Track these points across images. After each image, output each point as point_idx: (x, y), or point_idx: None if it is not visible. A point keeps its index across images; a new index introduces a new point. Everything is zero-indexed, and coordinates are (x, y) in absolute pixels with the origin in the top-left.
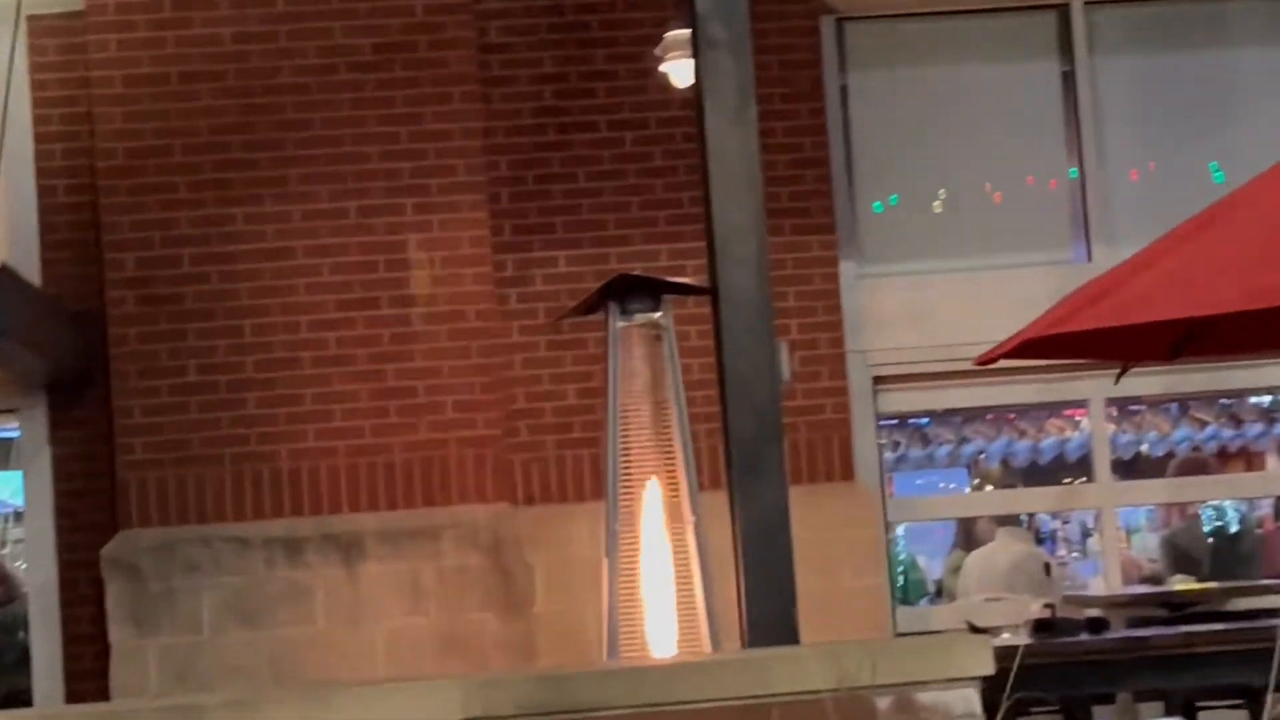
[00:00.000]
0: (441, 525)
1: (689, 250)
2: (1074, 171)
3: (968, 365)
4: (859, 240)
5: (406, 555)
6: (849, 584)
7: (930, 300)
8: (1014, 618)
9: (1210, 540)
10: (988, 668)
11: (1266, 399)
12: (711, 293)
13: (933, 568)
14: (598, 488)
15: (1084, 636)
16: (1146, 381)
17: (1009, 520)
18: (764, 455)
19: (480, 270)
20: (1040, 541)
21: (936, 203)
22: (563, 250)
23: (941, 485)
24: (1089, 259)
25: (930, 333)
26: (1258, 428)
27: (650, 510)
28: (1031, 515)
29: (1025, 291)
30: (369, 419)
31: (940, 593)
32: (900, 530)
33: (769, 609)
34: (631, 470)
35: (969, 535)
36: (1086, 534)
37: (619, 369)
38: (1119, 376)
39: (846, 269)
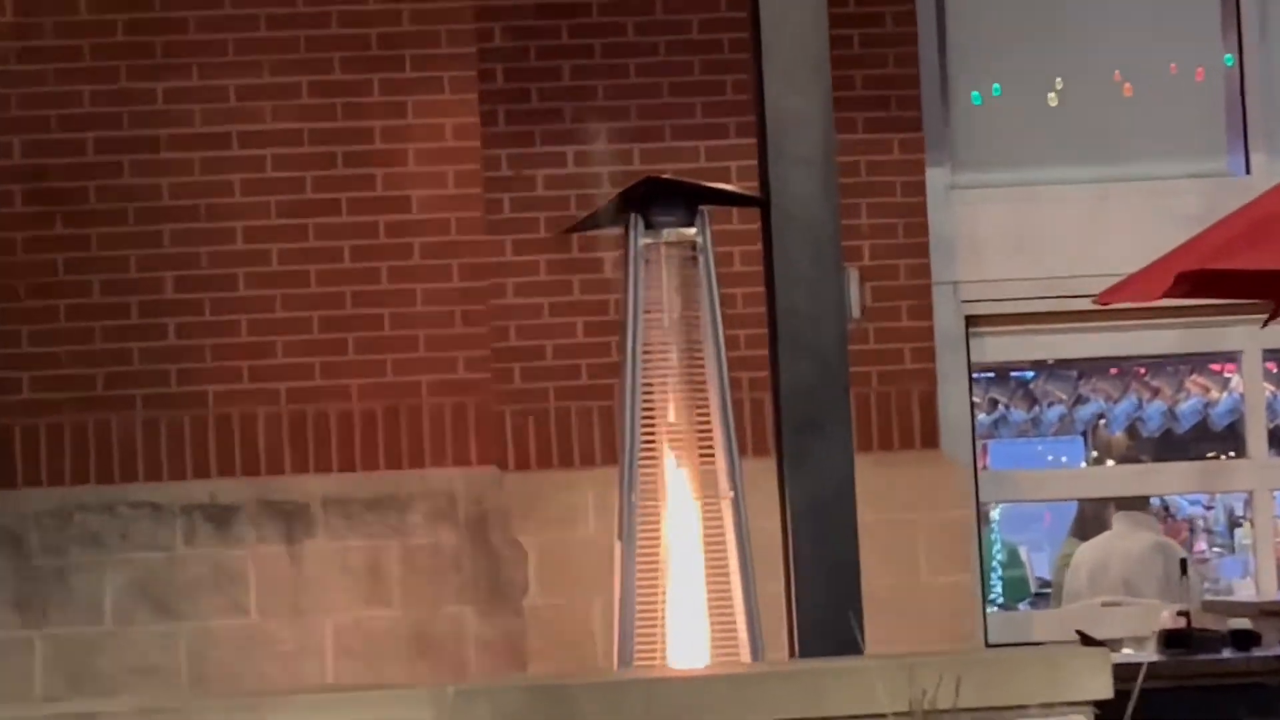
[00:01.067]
0: (410, 493)
1: (734, 149)
2: (1229, 58)
3: (1087, 305)
4: (952, 141)
5: (365, 530)
6: (928, 580)
7: (1041, 221)
8: (1138, 627)
9: None
10: (1105, 690)
11: None
12: (762, 203)
13: (1037, 562)
14: (610, 450)
15: (1227, 653)
16: None
17: (1135, 504)
18: (825, 415)
19: (466, 168)
20: (1175, 532)
21: (1052, 94)
22: (571, 145)
23: (1050, 457)
24: (1247, 171)
25: (1041, 262)
26: None
27: (677, 481)
28: (1164, 498)
29: (1164, 211)
30: (319, 355)
31: (1046, 594)
32: (996, 513)
33: (825, 609)
34: (655, 429)
35: (1085, 522)
36: (1235, 523)
37: (641, 299)
38: (1269, 319)
39: (935, 178)
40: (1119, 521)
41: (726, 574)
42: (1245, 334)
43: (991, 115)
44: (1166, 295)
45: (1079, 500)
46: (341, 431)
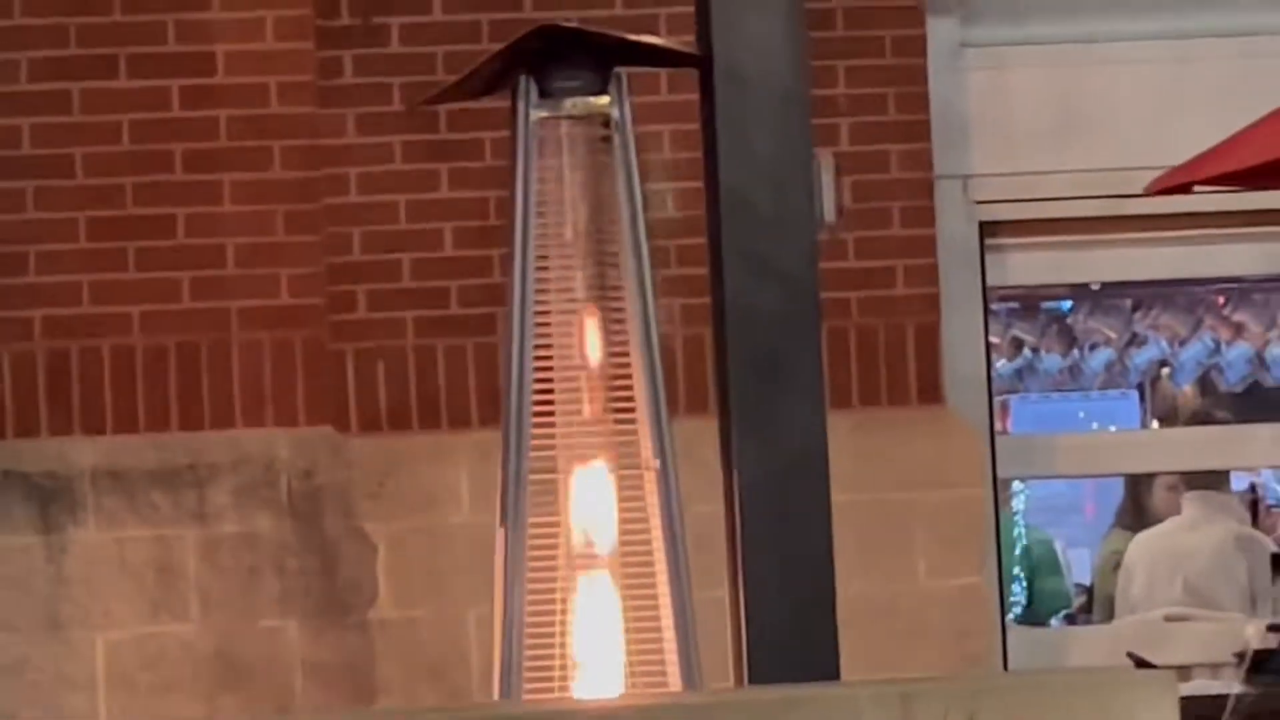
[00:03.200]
0: (213, 464)
1: None
2: None
3: (1142, 206)
4: None
5: (150, 515)
6: (928, 583)
7: (1090, 92)
8: (1214, 649)
9: None
10: None
11: None
12: (702, 64)
13: (1076, 562)
14: (491, 406)
15: None
16: None
17: (1209, 482)
18: (786, 358)
19: (291, 14)
20: (1266, 523)
21: None
22: None
23: (1094, 420)
24: None
25: (1088, 149)
26: None
27: (584, 449)
28: (1249, 475)
29: (1264, 77)
30: (87, 272)
31: (1091, 604)
32: (1021, 494)
33: (786, 621)
34: (554, 377)
35: (1140, 507)
36: None
37: (534, 198)
38: None
39: (941, 32)
40: (1188, 506)
41: (651, 573)
42: None
43: None
44: (1247, 182)
45: (1132, 477)
46: (119, 378)
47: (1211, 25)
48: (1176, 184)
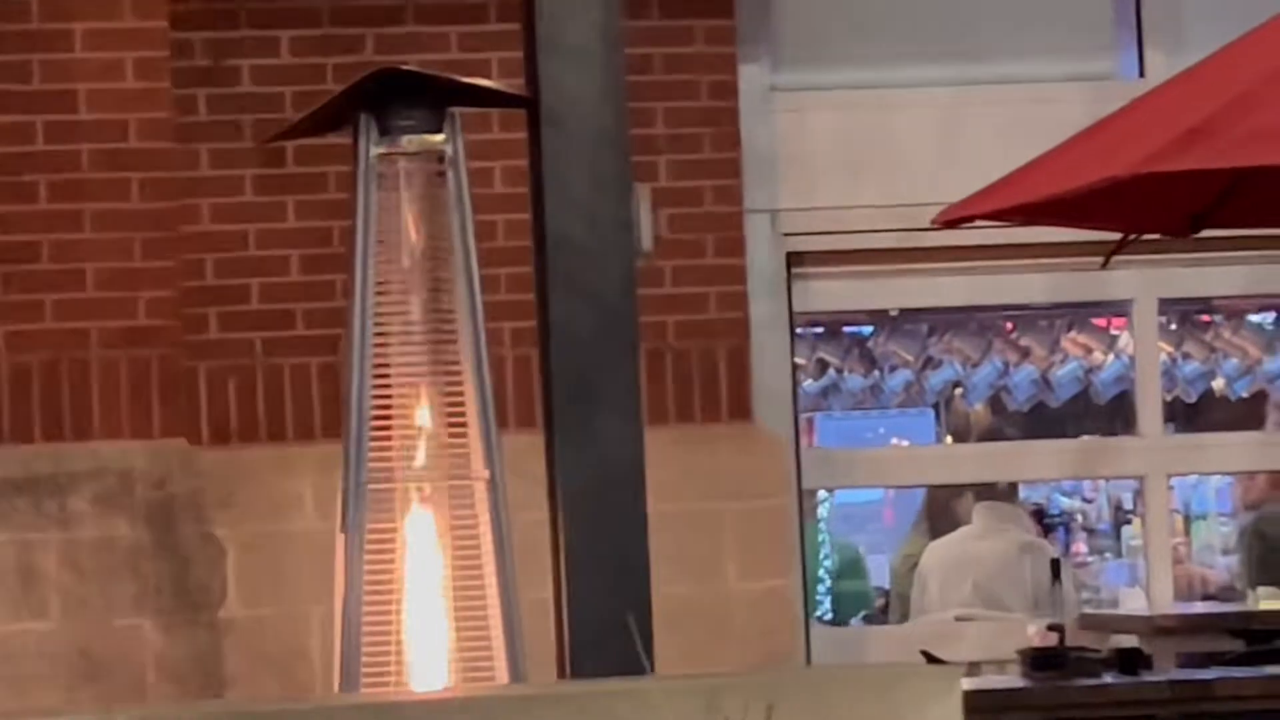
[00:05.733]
0: (73, 473)
1: (496, 36)
2: None
3: (935, 239)
4: (773, 31)
5: (12, 520)
6: (737, 586)
7: (885, 133)
8: (1000, 646)
9: None
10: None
11: None
12: (529, 105)
13: (878, 564)
14: (334, 421)
15: (1109, 678)
16: (1224, 274)
17: (998, 494)
18: (606, 377)
19: (149, 55)
20: (1047, 529)
21: None
22: (287, 29)
23: (893, 435)
24: (1140, 74)
25: (883, 186)
26: None
27: (420, 459)
28: (1035, 487)
29: (1038, 122)
30: None
31: (889, 605)
32: (825, 503)
33: (605, 620)
34: (392, 394)
35: (934, 516)
36: (1123, 519)
37: (374, 227)
38: (1108, 258)
39: (751, 77)
40: (977, 516)
41: (480, 576)
42: (1139, 278)
43: (825, 1)
44: (1020, 218)
45: (927, 488)
46: None
47: (992, 74)
48: (958, 217)
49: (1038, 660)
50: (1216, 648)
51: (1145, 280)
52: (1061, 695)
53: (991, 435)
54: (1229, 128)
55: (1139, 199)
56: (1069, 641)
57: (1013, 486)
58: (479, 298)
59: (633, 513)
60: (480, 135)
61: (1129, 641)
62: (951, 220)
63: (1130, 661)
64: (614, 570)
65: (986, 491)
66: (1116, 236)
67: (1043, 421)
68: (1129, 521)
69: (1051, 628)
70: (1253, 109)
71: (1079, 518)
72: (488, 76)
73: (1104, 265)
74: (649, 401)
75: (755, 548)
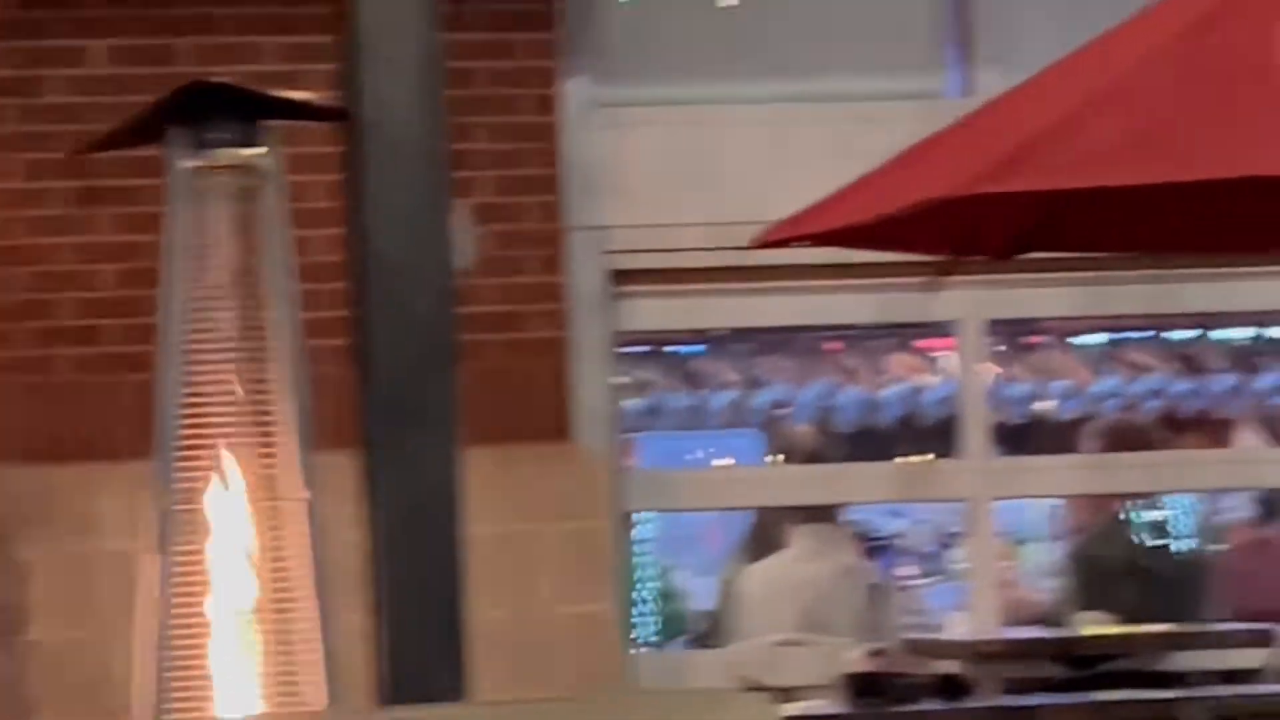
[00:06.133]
0: None
1: (313, 48)
2: None
3: (760, 258)
4: (597, 45)
5: None
6: (557, 609)
7: (710, 150)
8: (822, 671)
9: (1142, 559)
10: None
11: (1248, 333)
12: (346, 118)
13: (700, 588)
14: (145, 440)
15: (931, 704)
16: (1051, 296)
17: (821, 515)
18: (424, 396)
19: None
20: (872, 552)
21: None
22: (97, 38)
23: (715, 456)
24: (967, 93)
25: (708, 204)
26: (1228, 380)
27: (232, 479)
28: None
29: (864, 140)
30: None
31: (711, 629)
32: (647, 525)
33: (422, 645)
34: (204, 412)
35: (759, 539)
36: (947, 543)
37: (186, 241)
38: (931, 281)
39: (575, 92)
40: (800, 539)
41: (295, 600)
42: (963, 299)
43: (650, 15)
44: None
45: (752, 511)
46: None
47: (820, 91)
48: (776, 240)
49: (859, 686)
50: (1040, 673)
51: (971, 301)
52: None
53: (817, 457)
54: (1052, 150)
55: (961, 221)
56: (891, 667)
57: (838, 509)
58: (296, 315)
59: (450, 535)
60: (300, 149)
61: (952, 667)
62: (770, 243)
63: (952, 687)
64: (431, 593)
65: (813, 514)
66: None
67: (869, 443)
68: (954, 544)
69: (873, 653)
70: (1076, 131)
71: (905, 541)
72: (307, 89)
73: (927, 288)
74: (468, 421)
75: (575, 571)
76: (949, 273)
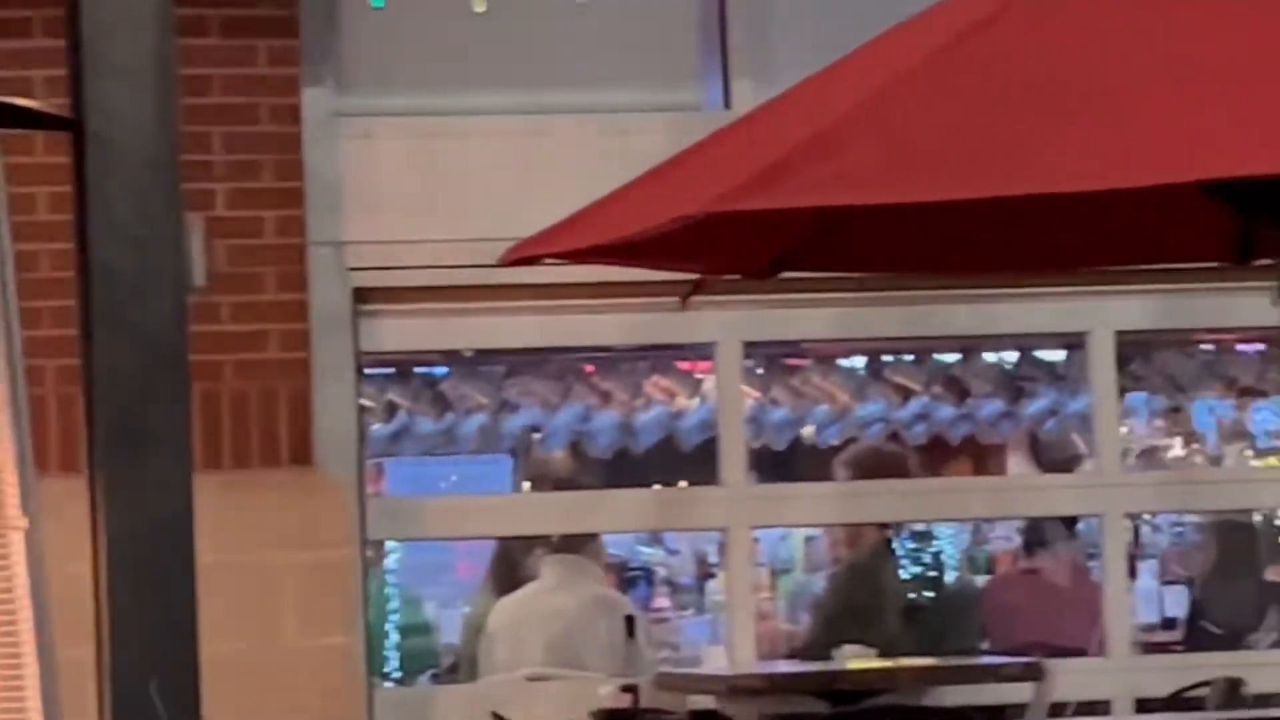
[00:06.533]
0: None
1: (39, 53)
2: None
3: (510, 276)
4: (341, 53)
5: None
6: (297, 643)
7: (459, 163)
8: (573, 706)
9: (906, 590)
10: None
11: (1012, 355)
12: (73, 127)
13: (450, 620)
14: None
15: None
16: (811, 316)
17: (573, 545)
18: (155, 419)
19: None
20: (628, 583)
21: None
22: None
23: (465, 482)
24: (726, 104)
25: (457, 219)
26: (994, 405)
27: None
28: (617, 539)
29: (619, 153)
30: None
31: (459, 663)
32: (393, 554)
33: (149, 681)
34: None
35: (509, 569)
36: (708, 573)
37: None
38: (685, 299)
39: (316, 101)
40: (548, 569)
41: (15, 633)
42: (721, 320)
43: (396, 21)
44: (589, 260)
45: (501, 540)
46: None
47: (570, 102)
48: (525, 257)
49: None
50: (800, 709)
51: (729, 322)
52: None
53: (571, 484)
54: (808, 167)
55: (717, 239)
56: (644, 702)
57: (591, 537)
58: (17, 333)
59: (181, 564)
60: (24, 158)
61: (706, 703)
62: (518, 260)
63: None
64: (160, 626)
65: (563, 543)
66: (697, 276)
67: (625, 469)
68: (713, 575)
69: (625, 688)
70: (833, 148)
71: (661, 571)
72: (30, 95)
73: (682, 307)
74: (202, 445)
75: (317, 602)
76: (703, 290)
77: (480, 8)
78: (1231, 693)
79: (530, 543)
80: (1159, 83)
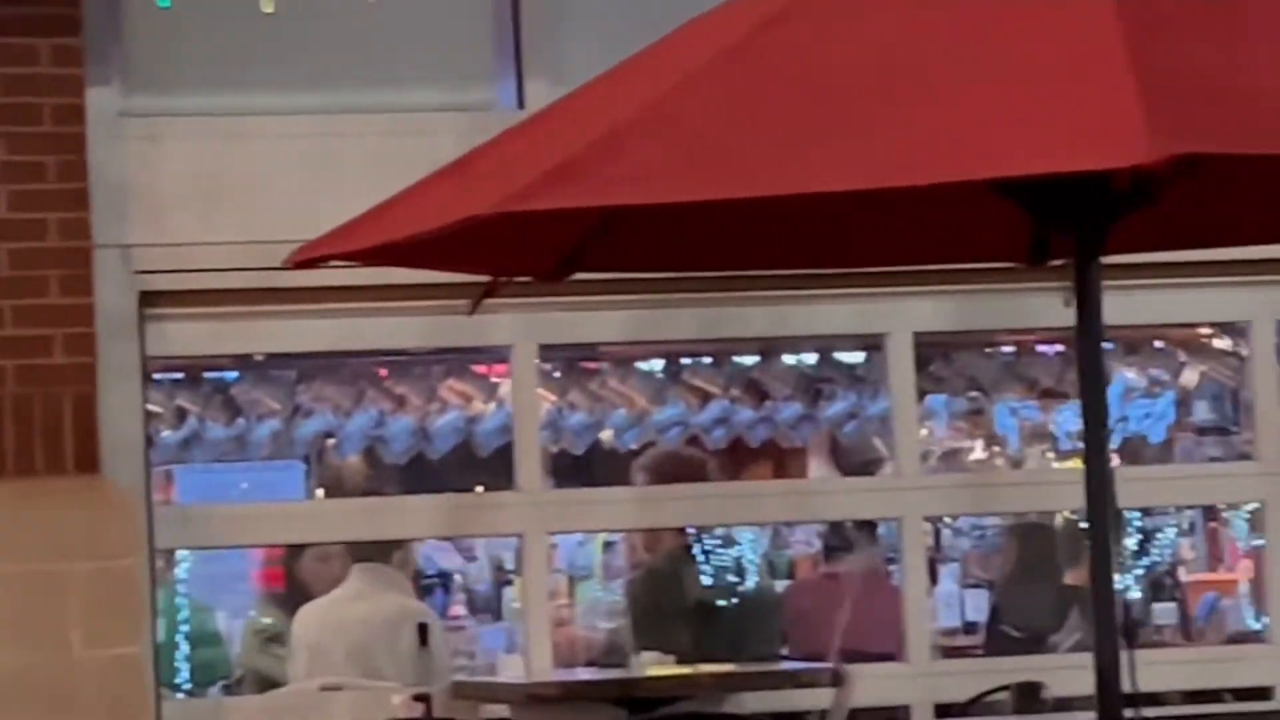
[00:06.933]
0: None
1: None
2: None
3: (301, 279)
4: (126, 52)
5: None
6: (84, 654)
7: (248, 163)
8: (366, 717)
9: (705, 595)
10: None
11: (811, 358)
12: None
13: (240, 631)
14: None
15: None
16: (608, 319)
17: (375, 553)
18: None
19: None
20: (425, 591)
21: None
22: None
23: (256, 489)
24: (520, 104)
25: (246, 221)
26: (793, 409)
27: None
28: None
29: (412, 153)
30: None
31: (250, 675)
32: (184, 564)
33: None
34: None
35: (302, 576)
36: (505, 580)
37: None
38: (476, 303)
39: (100, 100)
40: (357, 578)
41: None
42: (516, 323)
43: (183, 21)
44: (381, 258)
45: (293, 548)
46: None
47: (361, 102)
48: (312, 258)
49: None
50: (597, 716)
51: (524, 324)
52: None
53: (367, 490)
54: (594, 167)
55: (507, 239)
56: (437, 712)
57: (393, 545)
58: None
59: None
60: None
61: (501, 712)
62: (305, 262)
63: None
64: None
65: (363, 551)
66: (486, 278)
67: (421, 475)
68: (510, 582)
69: (418, 698)
70: (620, 148)
71: (458, 578)
72: None
73: (471, 310)
74: None
75: (103, 612)
76: (494, 294)
77: (269, 8)
78: (1030, 696)
79: (324, 550)
80: (946, 83)
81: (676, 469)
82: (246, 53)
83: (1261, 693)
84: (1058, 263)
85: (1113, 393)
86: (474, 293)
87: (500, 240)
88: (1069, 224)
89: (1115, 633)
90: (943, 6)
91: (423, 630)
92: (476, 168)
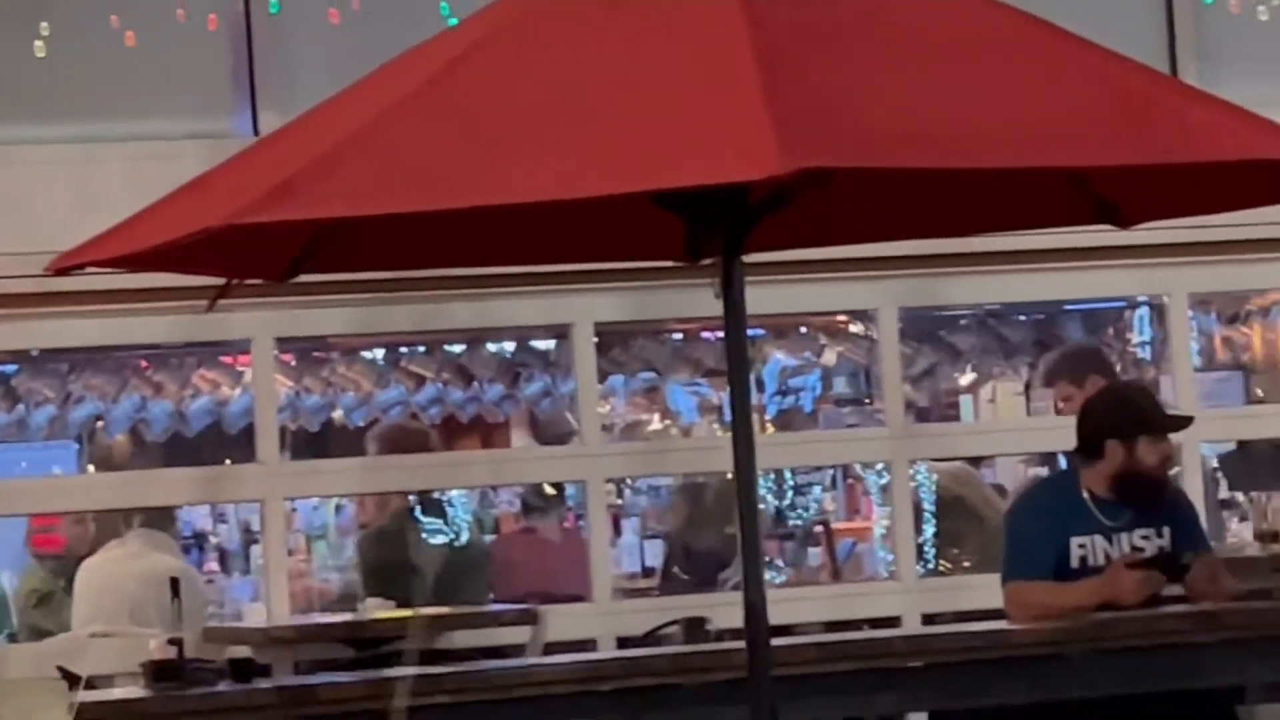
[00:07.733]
0: None
1: None
2: (275, 6)
3: (75, 284)
4: None
5: None
6: None
7: (23, 185)
8: (129, 659)
9: (424, 550)
10: None
11: (510, 345)
12: None
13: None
14: None
15: (223, 686)
16: (336, 315)
17: (153, 520)
18: None
19: None
20: (184, 550)
21: (39, 42)
22: None
23: (36, 466)
24: (255, 132)
25: (22, 234)
26: (497, 389)
27: None
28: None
29: (160, 176)
30: None
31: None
32: None
33: None
34: None
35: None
36: (253, 540)
37: None
38: (212, 302)
39: None
40: (135, 539)
41: None
42: (255, 319)
43: None
44: (131, 264)
45: (69, 514)
46: None
47: (120, 132)
48: (69, 265)
49: (158, 672)
50: (329, 655)
51: (262, 320)
52: (177, 704)
53: (135, 465)
54: (310, 184)
55: (240, 246)
56: (189, 654)
57: (168, 511)
58: None
59: None
60: None
61: (244, 652)
62: (64, 267)
63: (243, 670)
64: None
65: (147, 517)
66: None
67: (181, 451)
68: (257, 541)
69: (171, 641)
70: (333, 167)
71: (212, 539)
72: None
73: (209, 308)
74: None
75: None
76: (228, 294)
77: (41, 54)
78: (697, 629)
79: (81, 515)
80: (614, 107)
81: (404, 439)
82: (16, 90)
83: (890, 621)
84: (708, 261)
85: (770, 371)
86: (212, 294)
87: (234, 247)
88: (716, 227)
89: (761, 572)
90: (610, 40)
91: (174, 583)
92: (212, 185)
